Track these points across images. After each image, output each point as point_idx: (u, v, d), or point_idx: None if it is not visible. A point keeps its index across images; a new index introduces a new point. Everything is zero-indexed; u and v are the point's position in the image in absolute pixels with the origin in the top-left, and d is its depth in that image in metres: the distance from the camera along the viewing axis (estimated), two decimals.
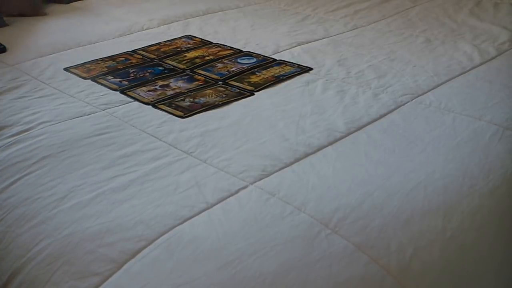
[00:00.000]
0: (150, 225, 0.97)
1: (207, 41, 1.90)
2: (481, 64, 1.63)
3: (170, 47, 1.84)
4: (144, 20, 2.14)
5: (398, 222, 0.97)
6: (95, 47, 1.87)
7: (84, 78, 1.60)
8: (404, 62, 1.65)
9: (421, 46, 1.78)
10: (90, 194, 1.06)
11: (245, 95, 1.46)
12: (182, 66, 1.68)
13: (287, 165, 1.14)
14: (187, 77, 1.60)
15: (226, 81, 1.56)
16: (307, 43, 1.85)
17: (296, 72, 1.59)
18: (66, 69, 1.67)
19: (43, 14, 2.25)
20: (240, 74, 1.60)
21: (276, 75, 1.58)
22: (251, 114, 1.35)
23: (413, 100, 1.41)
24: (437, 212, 1.00)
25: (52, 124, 1.32)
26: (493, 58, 1.67)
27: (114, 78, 1.59)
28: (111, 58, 1.75)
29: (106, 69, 1.66)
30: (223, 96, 1.46)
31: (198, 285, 0.85)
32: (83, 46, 1.89)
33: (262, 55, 1.74)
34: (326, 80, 1.54)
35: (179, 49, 1.83)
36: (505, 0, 2.21)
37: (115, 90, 1.51)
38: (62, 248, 0.95)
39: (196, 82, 1.56)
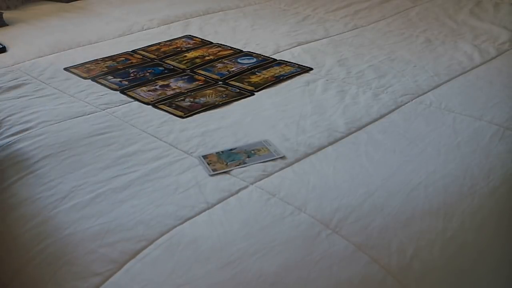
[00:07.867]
0: (150, 225, 0.97)
1: (207, 41, 1.90)
2: (481, 64, 1.63)
3: (170, 47, 1.84)
4: (144, 20, 2.14)
5: (398, 222, 0.97)
6: (95, 47, 1.87)
7: (84, 78, 1.60)
8: (405, 62, 1.65)
9: (422, 46, 1.78)
10: (90, 194, 1.06)
11: (245, 95, 1.46)
12: (182, 66, 1.68)
13: (287, 165, 1.14)
14: (187, 77, 1.60)
15: (226, 81, 1.56)
16: (307, 43, 1.85)
17: (296, 72, 1.59)
18: (66, 69, 1.67)
19: None
20: (240, 74, 1.60)
21: (276, 75, 1.58)
22: (251, 114, 1.35)
23: (414, 100, 1.41)
24: (437, 212, 1.00)
25: (52, 124, 1.32)
26: (493, 58, 1.67)
27: (114, 78, 1.59)
28: (111, 58, 1.75)
29: (106, 69, 1.66)
30: (223, 96, 1.46)
31: (198, 285, 0.85)
32: (83, 46, 1.89)
33: (262, 55, 1.74)
34: (327, 80, 1.54)
35: (179, 49, 1.83)
36: (505, 0, 2.21)
37: (115, 90, 1.51)
38: (63, 248, 0.95)
39: (196, 82, 1.55)
